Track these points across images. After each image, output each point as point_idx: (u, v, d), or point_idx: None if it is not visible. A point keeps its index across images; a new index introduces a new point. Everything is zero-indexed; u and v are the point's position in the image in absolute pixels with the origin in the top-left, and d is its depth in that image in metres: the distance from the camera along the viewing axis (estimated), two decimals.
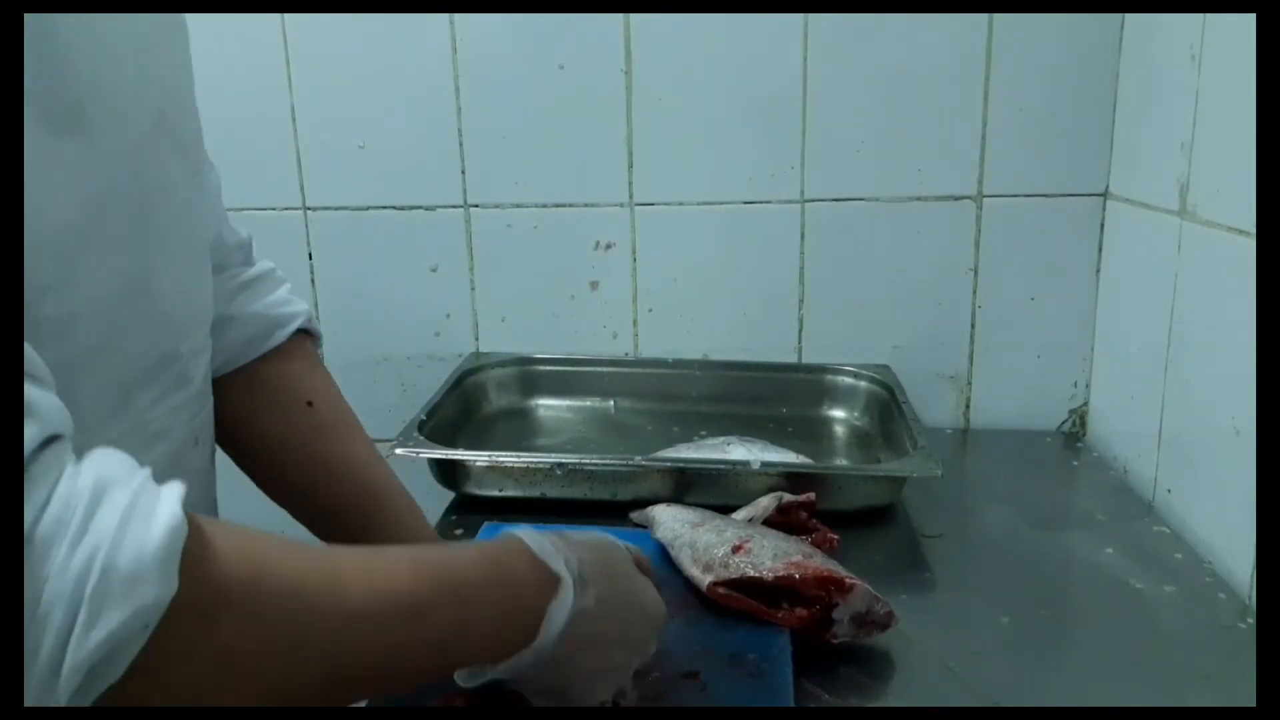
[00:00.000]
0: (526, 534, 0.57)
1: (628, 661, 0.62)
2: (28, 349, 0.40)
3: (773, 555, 0.82)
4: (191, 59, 0.66)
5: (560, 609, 0.54)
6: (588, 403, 1.34)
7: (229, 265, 0.74)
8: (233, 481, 0.76)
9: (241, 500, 0.74)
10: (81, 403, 0.45)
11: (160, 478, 0.46)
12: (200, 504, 0.64)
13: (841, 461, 1.18)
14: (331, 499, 0.73)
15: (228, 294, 0.73)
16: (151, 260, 0.55)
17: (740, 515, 0.94)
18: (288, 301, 0.77)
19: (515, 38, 1.27)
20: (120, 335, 0.53)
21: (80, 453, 0.40)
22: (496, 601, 0.53)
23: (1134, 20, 1.17)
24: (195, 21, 1.37)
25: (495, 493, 1.06)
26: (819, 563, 0.81)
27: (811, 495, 0.95)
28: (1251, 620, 0.83)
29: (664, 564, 0.90)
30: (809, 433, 1.24)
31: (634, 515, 1.00)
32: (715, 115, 1.28)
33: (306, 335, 0.79)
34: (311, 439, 0.74)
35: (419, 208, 1.34)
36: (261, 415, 0.73)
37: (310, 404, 0.74)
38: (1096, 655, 0.79)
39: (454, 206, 1.34)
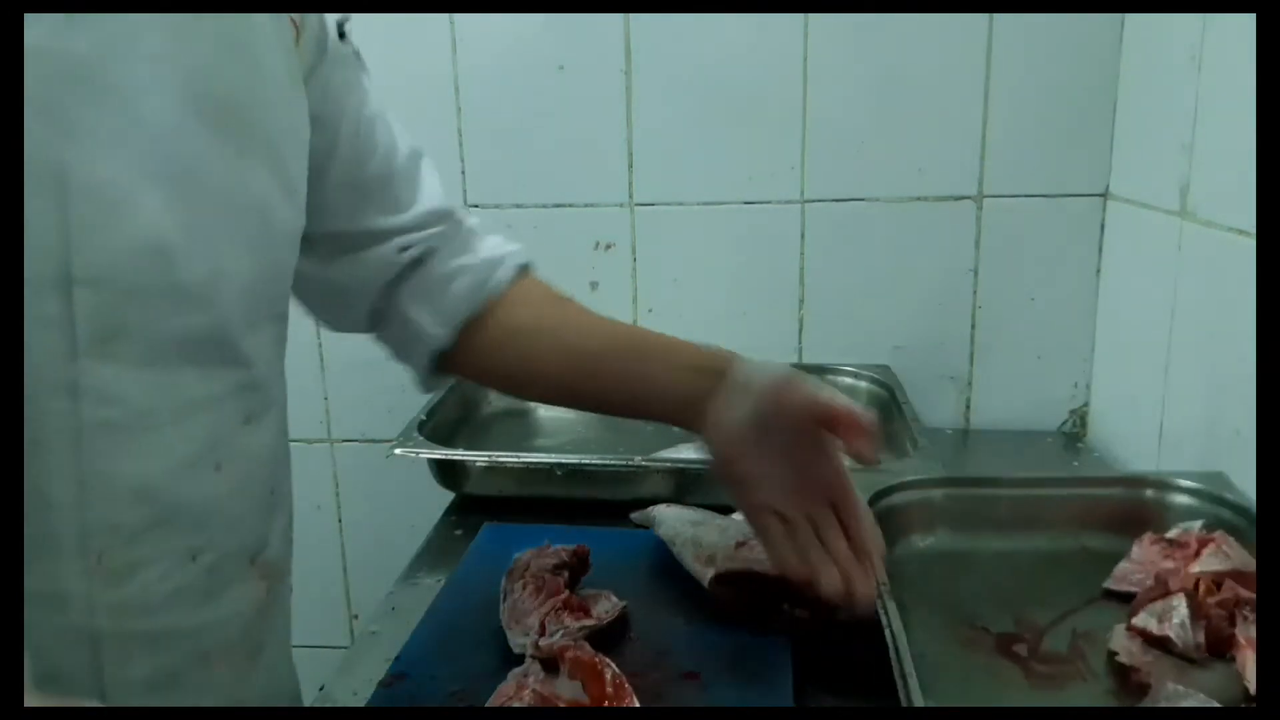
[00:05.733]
0: None
1: None
2: None
3: None
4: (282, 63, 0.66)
5: None
6: None
7: (452, 230, 0.79)
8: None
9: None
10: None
11: (197, 451, 0.58)
12: (258, 483, 0.65)
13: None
14: (617, 368, 0.78)
15: (446, 253, 0.78)
16: (173, 230, 0.55)
17: (741, 515, 0.94)
18: (504, 245, 0.82)
19: (515, 38, 1.27)
20: (139, 300, 0.54)
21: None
22: None
23: (1134, 20, 1.17)
24: None
25: (495, 493, 1.06)
26: None
27: None
28: None
29: (664, 563, 0.90)
30: None
31: (634, 515, 1.00)
32: (715, 115, 1.28)
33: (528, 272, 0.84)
34: (577, 318, 0.80)
35: None
36: (521, 323, 0.79)
37: (560, 299, 0.82)
38: None
39: None
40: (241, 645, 0.64)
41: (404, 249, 0.76)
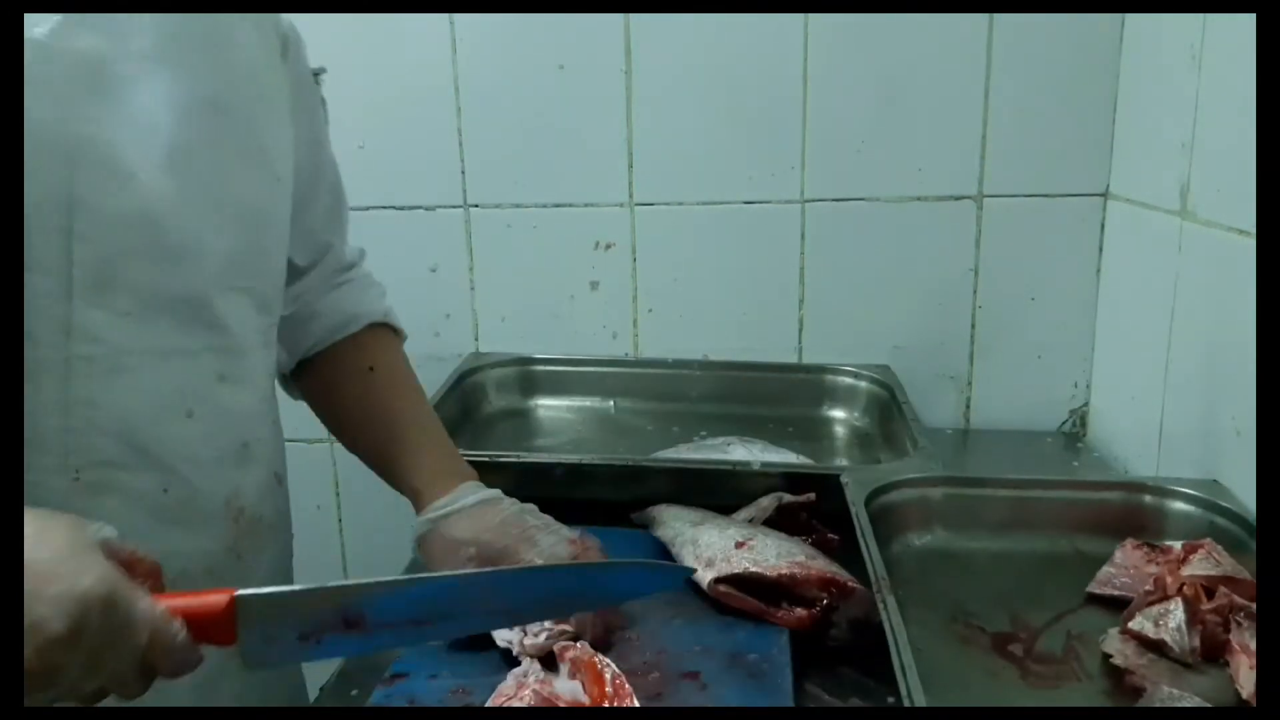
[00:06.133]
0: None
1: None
2: None
3: (776, 554, 0.82)
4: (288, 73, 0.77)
5: None
6: (588, 403, 1.34)
7: (318, 268, 0.88)
8: None
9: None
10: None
11: (170, 396, 0.66)
12: (229, 435, 0.72)
13: (841, 461, 1.18)
14: (370, 444, 0.88)
15: (319, 292, 0.88)
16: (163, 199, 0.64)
17: (741, 515, 0.94)
18: (368, 302, 0.91)
19: (515, 38, 1.27)
20: (129, 258, 0.63)
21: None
22: None
23: (1134, 20, 1.17)
24: None
25: None
26: (822, 564, 0.81)
27: (811, 495, 0.95)
28: None
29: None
30: (809, 433, 1.24)
31: (634, 515, 1.01)
32: (716, 115, 1.28)
33: (388, 329, 0.93)
34: (366, 396, 0.89)
35: (419, 208, 1.34)
36: (335, 381, 0.89)
37: (371, 369, 0.89)
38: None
39: (454, 206, 1.34)
40: (205, 582, 0.67)
41: (295, 279, 0.85)
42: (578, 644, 0.72)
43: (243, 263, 0.71)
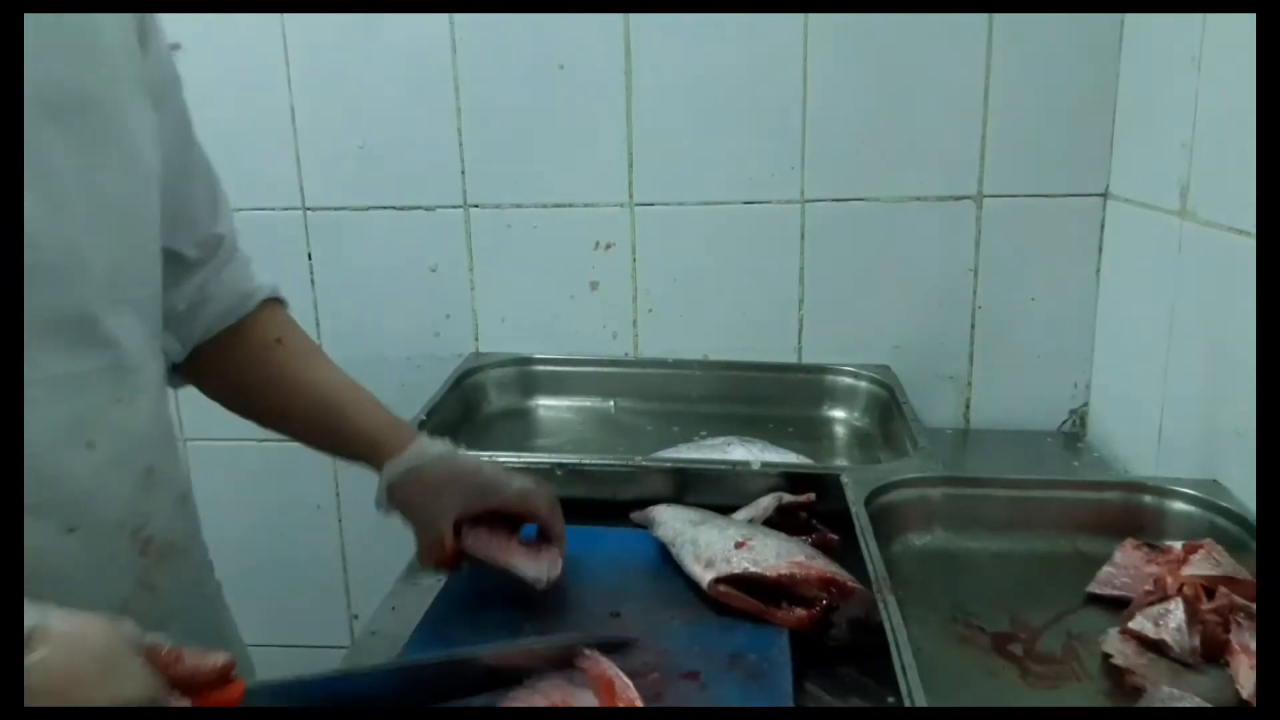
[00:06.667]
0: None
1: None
2: None
3: (776, 554, 0.82)
4: (137, 52, 0.69)
5: None
6: (588, 403, 1.34)
7: (213, 260, 0.83)
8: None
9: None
10: None
11: (69, 428, 0.61)
12: (132, 461, 0.68)
13: (841, 461, 1.18)
14: (302, 417, 0.85)
15: (206, 281, 0.82)
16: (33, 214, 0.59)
17: (741, 515, 0.94)
18: (254, 277, 0.87)
19: (515, 38, 1.27)
20: None
21: None
22: None
23: (1134, 21, 1.17)
24: (195, 22, 1.37)
25: None
26: (822, 564, 0.81)
27: (811, 495, 0.95)
28: None
29: (664, 563, 0.90)
30: (809, 433, 1.24)
31: (634, 515, 1.00)
32: (715, 115, 1.28)
33: (276, 302, 0.88)
34: (282, 369, 0.85)
35: (419, 208, 1.34)
36: (240, 362, 0.85)
37: (279, 341, 0.86)
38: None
39: (454, 206, 1.34)
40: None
41: (190, 274, 0.81)
42: (591, 653, 0.71)
43: (126, 272, 0.67)
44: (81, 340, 0.64)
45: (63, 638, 0.49)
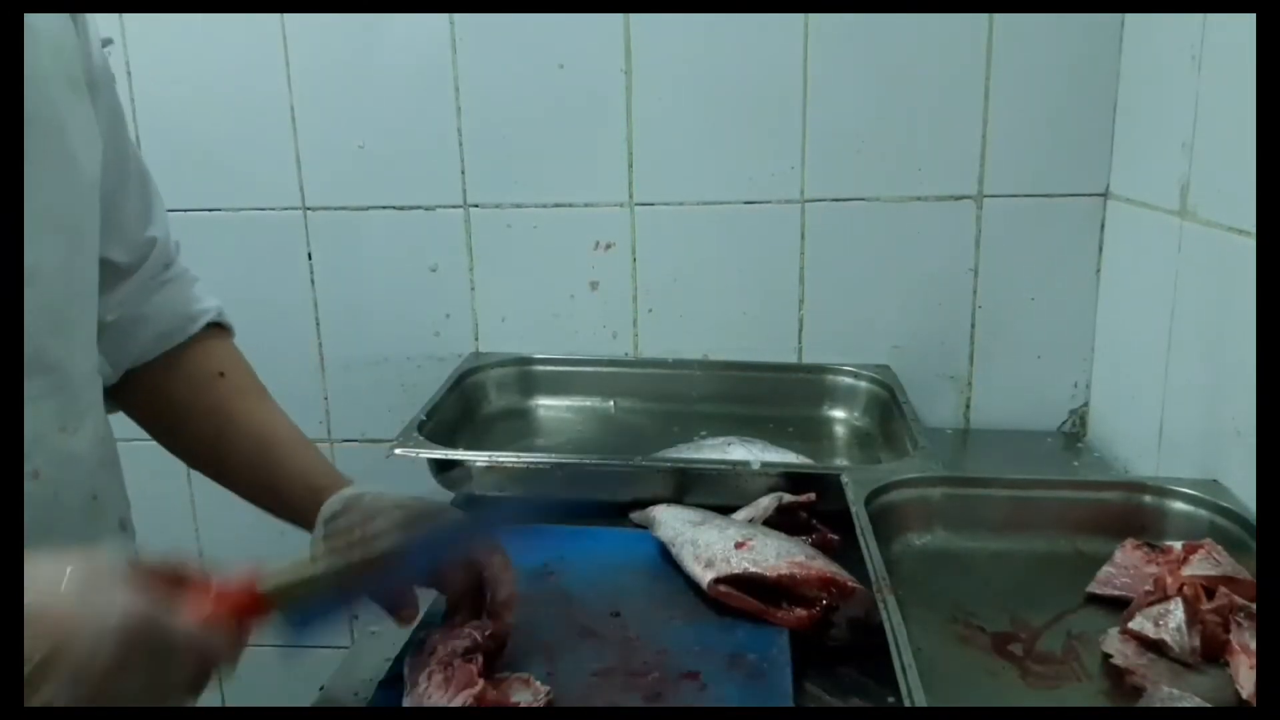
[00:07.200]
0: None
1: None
2: None
3: (776, 554, 0.82)
4: (66, 54, 0.66)
5: None
6: (588, 403, 1.34)
7: (145, 266, 0.78)
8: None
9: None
10: None
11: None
12: (77, 489, 0.66)
13: (841, 461, 1.18)
14: (239, 455, 0.80)
15: (144, 293, 0.78)
16: None
17: (741, 515, 0.94)
18: (199, 299, 0.82)
19: (515, 38, 1.27)
20: None
21: None
22: None
23: (1134, 20, 1.17)
24: (195, 21, 1.37)
25: (495, 493, 1.06)
26: (822, 564, 0.81)
27: (811, 495, 0.95)
28: None
29: (664, 563, 0.90)
30: (809, 433, 1.24)
31: (634, 515, 1.01)
32: (715, 115, 1.28)
33: (219, 328, 0.84)
34: (223, 404, 0.80)
35: (418, 208, 1.34)
36: (177, 391, 0.80)
37: (221, 374, 0.81)
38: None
39: (454, 206, 1.34)
40: None
41: (120, 280, 0.76)
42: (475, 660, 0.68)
43: (68, 288, 0.64)
44: (28, 363, 0.61)
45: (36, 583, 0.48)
